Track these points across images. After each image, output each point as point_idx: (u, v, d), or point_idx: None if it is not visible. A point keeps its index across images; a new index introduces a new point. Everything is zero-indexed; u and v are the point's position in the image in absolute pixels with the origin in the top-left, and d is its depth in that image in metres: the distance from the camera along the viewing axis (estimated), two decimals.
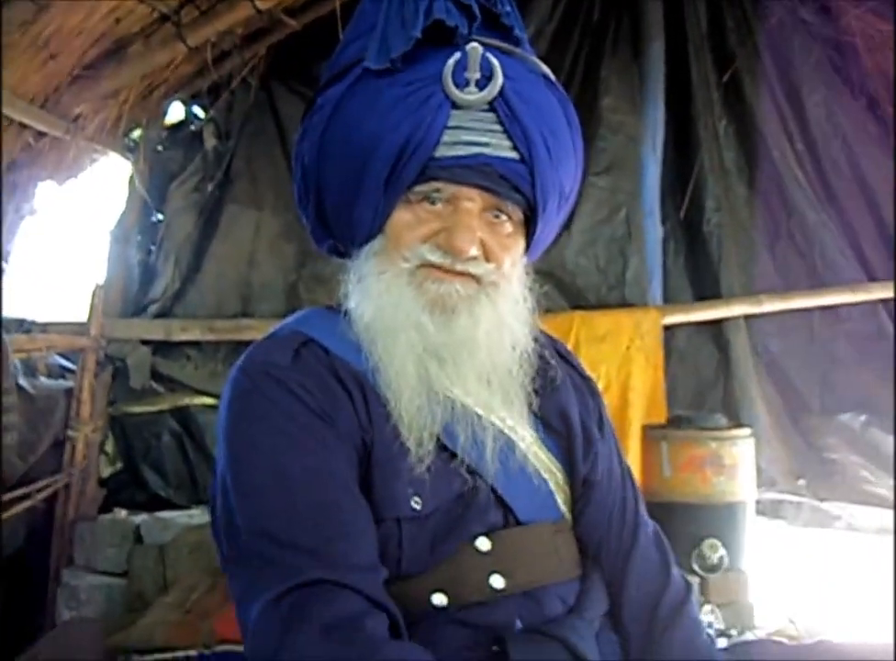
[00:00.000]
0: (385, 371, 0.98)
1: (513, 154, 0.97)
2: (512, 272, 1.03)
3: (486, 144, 0.96)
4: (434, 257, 0.97)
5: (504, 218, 1.01)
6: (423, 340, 0.98)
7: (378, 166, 0.96)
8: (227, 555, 0.95)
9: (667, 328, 3.41)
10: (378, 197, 0.98)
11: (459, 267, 0.97)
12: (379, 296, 0.99)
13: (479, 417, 1.01)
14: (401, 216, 0.99)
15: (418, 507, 0.95)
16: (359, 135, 0.97)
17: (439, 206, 0.98)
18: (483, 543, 0.98)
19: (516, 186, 0.98)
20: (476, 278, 0.99)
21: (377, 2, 1.02)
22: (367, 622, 0.83)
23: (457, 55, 0.94)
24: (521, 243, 1.05)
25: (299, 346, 0.99)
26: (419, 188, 0.97)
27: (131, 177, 3.39)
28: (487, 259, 1.00)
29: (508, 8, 1.02)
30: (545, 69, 1.05)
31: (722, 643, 1.21)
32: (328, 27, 2.87)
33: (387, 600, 0.88)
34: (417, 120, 0.94)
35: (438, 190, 0.97)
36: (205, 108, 3.47)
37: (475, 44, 0.94)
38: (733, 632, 2.30)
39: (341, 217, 1.03)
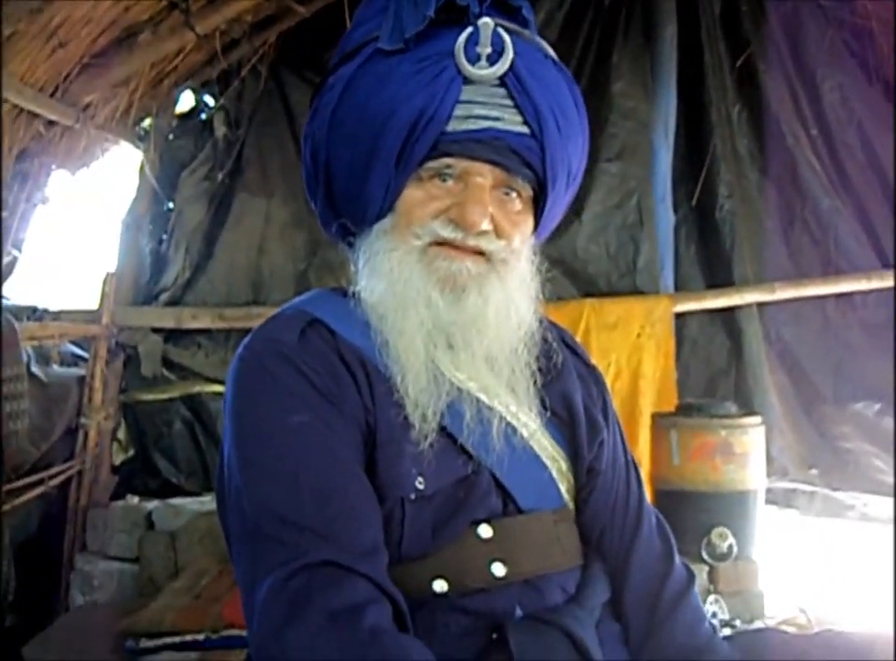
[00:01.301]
0: (393, 346, 0.98)
1: (524, 129, 0.97)
2: (521, 249, 1.03)
3: (497, 118, 0.96)
4: (446, 232, 0.98)
5: (514, 195, 1.01)
6: (433, 317, 0.98)
7: (390, 140, 0.96)
8: (232, 534, 0.95)
9: (679, 315, 3.39)
10: (389, 173, 0.98)
11: (471, 242, 0.98)
12: (390, 273, 0.99)
13: (482, 402, 1.00)
14: (412, 193, 0.99)
15: (421, 486, 0.94)
16: (371, 110, 0.97)
17: (450, 183, 0.98)
18: (484, 531, 0.97)
19: (526, 161, 0.98)
20: (487, 255, 0.99)
21: None
22: (370, 612, 0.83)
23: (469, 30, 0.95)
24: (531, 221, 1.05)
25: (305, 326, 0.99)
26: (430, 164, 0.97)
27: (142, 166, 3.40)
28: (498, 235, 1.00)
29: None
30: (551, 52, 1.05)
31: (726, 632, 1.19)
32: (337, 14, 2.86)
33: (392, 587, 0.88)
34: (429, 94, 0.94)
35: (449, 166, 0.97)
36: (215, 97, 3.47)
37: (486, 19, 0.95)
38: (738, 622, 2.30)
39: (351, 195, 1.03)
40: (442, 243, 0.99)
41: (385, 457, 0.94)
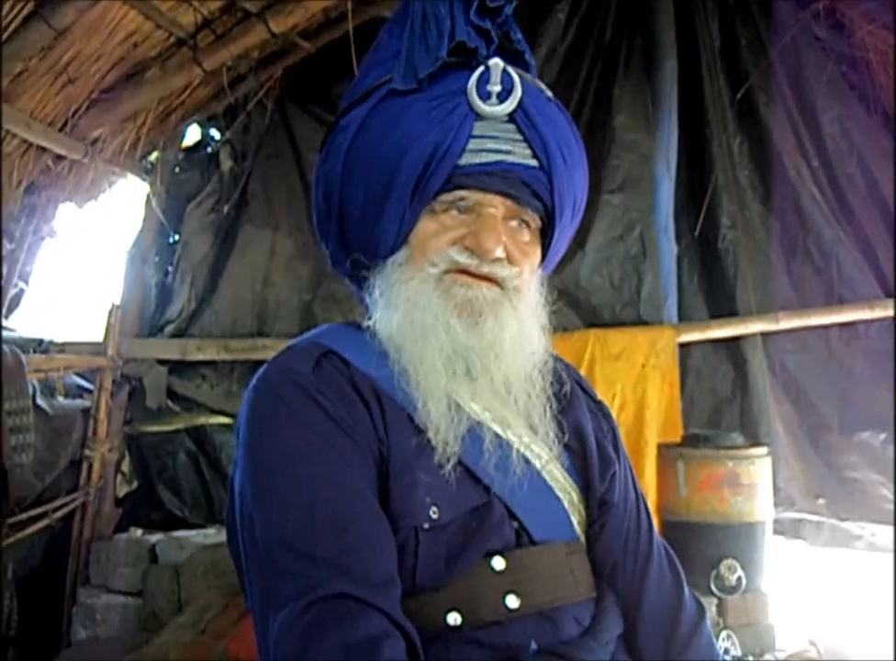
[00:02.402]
0: (413, 373, 0.99)
1: (533, 162, 1.02)
2: (531, 280, 1.06)
3: (508, 152, 1.01)
4: (462, 258, 1.00)
5: (523, 226, 1.05)
6: (452, 342, 0.99)
7: (406, 174, 0.99)
8: (245, 566, 0.94)
9: (683, 346, 3.39)
10: (404, 207, 1.01)
11: (485, 269, 1.00)
12: (407, 302, 1.01)
13: (497, 433, 1.01)
14: (426, 225, 1.02)
15: (435, 516, 0.94)
16: (386, 147, 1.01)
17: (462, 215, 1.02)
18: (498, 563, 0.97)
19: (536, 193, 1.03)
20: (501, 283, 1.02)
21: (396, 32, 1.08)
22: (386, 647, 0.83)
23: (481, 69, 1.00)
24: (539, 252, 1.09)
25: (320, 356, 1.00)
26: (443, 197, 1.01)
27: (148, 199, 3.44)
28: (510, 263, 1.03)
29: (519, 36, 1.09)
30: (550, 93, 1.10)
31: None
32: (342, 49, 2.90)
33: (406, 621, 0.87)
34: (444, 129, 0.98)
35: (462, 199, 1.01)
36: (221, 130, 3.51)
37: (496, 60, 1.00)
38: (751, 658, 2.26)
39: (366, 230, 1.05)
40: (457, 271, 1.01)
41: (398, 487, 0.95)
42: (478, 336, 1.00)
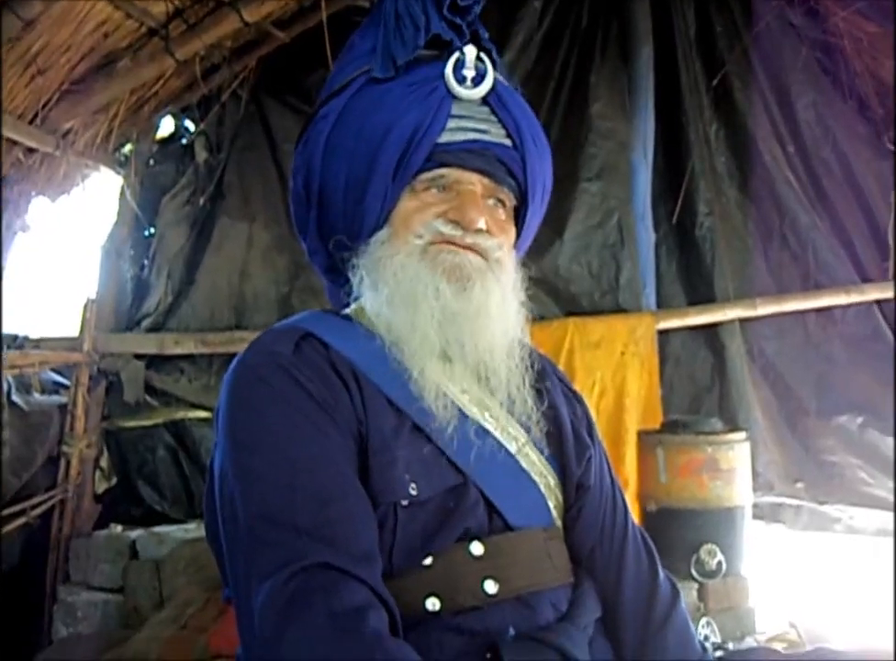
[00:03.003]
0: (408, 342, 1.01)
1: (507, 141, 1.07)
2: (510, 255, 1.10)
3: (485, 131, 1.06)
4: (447, 229, 1.03)
5: (499, 204, 1.09)
6: (442, 307, 1.02)
7: (388, 154, 1.03)
8: (226, 545, 0.94)
9: (662, 333, 3.41)
10: (387, 186, 1.04)
11: (469, 240, 1.03)
12: (394, 275, 1.03)
13: (473, 415, 1.03)
14: (407, 204, 1.05)
15: (414, 492, 0.96)
16: (367, 130, 1.05)
17: (442, 192, 1.05)
18: (476, 548, 0.98)
19: (511, 171, 1.07)
20: (483, 254, 1.05)
21: (370, 32, 1.13)
22: (371, 616, 0.83)
23: (456, 55, 1.06)
24: (514, 231, 1.13)
25: (299, 339, 1.02)
26: (423, 175, 1.04)
27: (122, 191, 3.40)
28: (491, 235, 1.06)
29: (487, 35, 1.15)
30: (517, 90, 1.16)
31: (718, 655, 1.20)
32: (316, 39, 2.88)
33: (388, 594, 0.88)
34: (424, 110, 1.03)
35: (442, 176, 1.05)
36: (195, 122, 3.48)
37: (471, 47, 1.07)
38: (730, 644, 2.28)
39: (348, 212, 1.07)
40: (442, 241, 1.04)
41: (378, 464, 0.96)
42: (466, 300, 1.02)
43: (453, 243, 1.03)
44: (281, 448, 0.93)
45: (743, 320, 3.43)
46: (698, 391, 3.49)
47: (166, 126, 3.50)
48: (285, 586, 0.84)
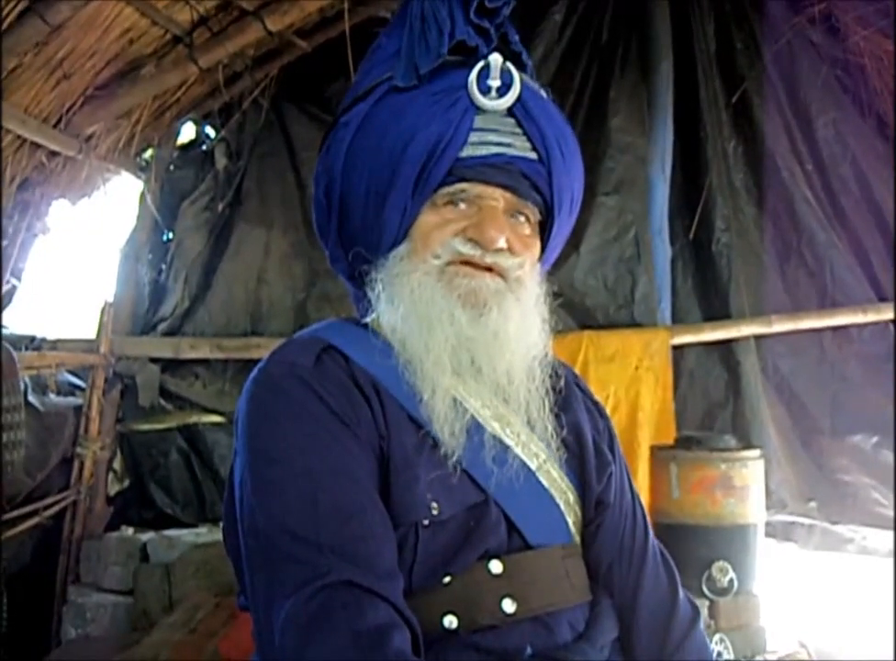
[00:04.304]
0: (419, 364, 0.99)
1: (533, 155, 1.03)
2: (532, 272, 1.07)
3: (509, 145, 1.02)
4: (465, 249, 1.01)
5: (523, 219, 1.05)
6: (456, 333, 1.00)
7: (409, 166, 1.00)
8: (246, 557, 0.94)
9: (676, 348, 3.40)
10: (406, 199, 1.01)
11: (489, 259, 1.01)
12: (411, 294, 1.01)
13: (494, 431, 1.02)
14: (427, 218, 1.03)
15: (435, 512, 0.95)
16: (389, 140, 1.02)
17: (463, 207, 1.02)
18: (496, 566, 0.97)
19: (535, 186, 1.04)
20: (503, 273, 1.03)
21: (396, 34, 1.10)
22: (395, 635, 0.83)
23: (481, 64, 1.02)
24: (538, 246, 1.10)
25: (321, 351, 1.00)
26: (445, 189, 1.01)
27: (142, 196, 3.42)
28: (512, 254, 1.03)
29: (516, 37, 1.11)
30: (545, 94, 1.12)
31: None
32: (337, 48, 2.90)
33: (410, 613, 0.87)
34: (446, 122, 1.00)
35: (464, 191, 1.02)
36: (216, 128, 3.50)
37: (496, 55, 1.03)
38: (742, 660, 2.26)
39: (368, 224, 1.05)
40: (460, 262, 1.01)
41: (399, 482, 0.95)
42: (482, 326, 1.01)
43: (472, 264, 1.01)
44: (301, 461, 0.92)
45: (758, 337, 3.41)
46: (711, 407, 3.48)
47: (187, 132, 3.53)
48: (308, 603, 0.83)
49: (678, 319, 3.48)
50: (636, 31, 3.55)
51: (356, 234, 1.08)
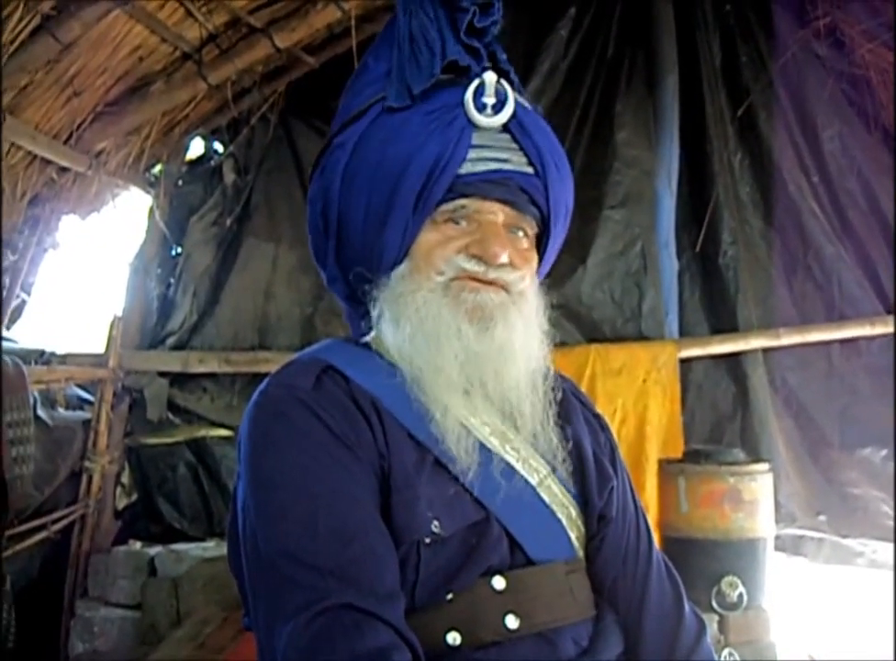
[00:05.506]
0: (430, 383, 0.99)
1: (529, 169, 1.04)
2: (532, 285, 1.08)
3: (506, 160, 1.03)
4: (469, 265, 1.01)
5: (521, 234, 1.06)
6: (464, 348, 1.00)
7: (409, 186, 1.00)
8: (248, 580, 0.94)
9: (684, 361, 3.39)
10: (407, 218, 1.01)
11: (493, 274, 1.01)
12: (417, 312, 1.01)
13: (494, 449, 1.01)
14: (428, 236, 1.03)
15: (437, 530, 0.94)
16: (387, 160, 1.02)
17: (463, 224, 1.03)
18: (499, 582, 0.96)
19: (533, 199, 1.05)
20: (507, 287, 1.03)
21: (384, 55, 1.10)
22: (395, 657, 0.83)
23: (476, 82, 1.03)
24: (536, 259, 1.10)
25: (320, 372, 1.00)
26: (444, 207, 1.02)
27: (151, 211, 3.45)
28: (514, 268, 1.04)
29: (504, 56, 1.12)
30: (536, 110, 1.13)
31: None
32: (345, 65, 2.92)
33: (411, 634, 0.87)
34: (444, 140, 1.00)
35: (463, 207, 1.02)
36: (224, 144, 3.53)
37: (490, 73, 1.03)
38: None
39: (367, 245, 1.05)
40: (464, 278, 1.02)
41: (400, 501, 0.94)
42: (489, 340, 1.01)
43: (476, 279, 1.01)
44: (301, 484, 0.92)
45: (766, 350, 3.41)
46: (719, 420, 3.47)
47: (196, 147, 3.56)
48: (308, 627, 0.83)
49: (686, 332, 3.48)
50: (642, 46, 3.57)
51: (356, 254, 1.08)
